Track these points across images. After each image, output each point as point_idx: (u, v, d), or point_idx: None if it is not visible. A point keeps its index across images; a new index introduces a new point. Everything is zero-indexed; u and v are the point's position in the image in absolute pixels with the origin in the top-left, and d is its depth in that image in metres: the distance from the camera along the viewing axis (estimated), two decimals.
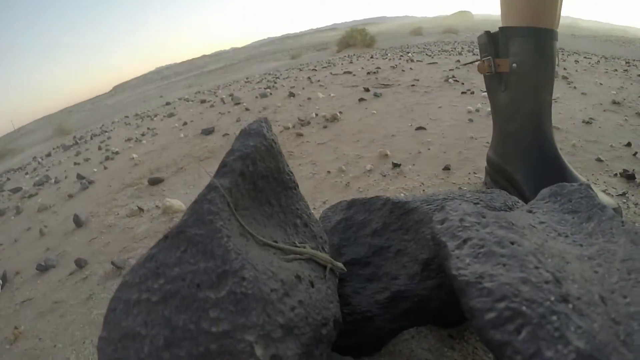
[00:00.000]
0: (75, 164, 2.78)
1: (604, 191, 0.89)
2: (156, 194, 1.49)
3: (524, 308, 0.24)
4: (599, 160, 1.09)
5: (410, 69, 3.32)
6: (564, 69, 3.03)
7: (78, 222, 1.31)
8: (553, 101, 1.96)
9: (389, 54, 5.50)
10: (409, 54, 4.83)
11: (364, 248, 0.55)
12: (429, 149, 1.31)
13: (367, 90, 2.58)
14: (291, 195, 0.44)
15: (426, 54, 4.55)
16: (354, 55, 6.67)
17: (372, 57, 5.10)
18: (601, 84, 2.42)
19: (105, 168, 2.19)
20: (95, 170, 2.24)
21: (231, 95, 3.92)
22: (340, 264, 0.44)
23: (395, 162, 1.20)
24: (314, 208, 1.02)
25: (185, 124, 2.87)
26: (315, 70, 4.54)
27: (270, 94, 3.26)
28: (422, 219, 0.48)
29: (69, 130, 8.63)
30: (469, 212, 0.33)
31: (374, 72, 3.31)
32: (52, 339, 0.73)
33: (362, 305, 0.49)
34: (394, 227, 0.52)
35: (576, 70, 2.99)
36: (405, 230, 0.50)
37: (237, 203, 0.37)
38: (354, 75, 3.42)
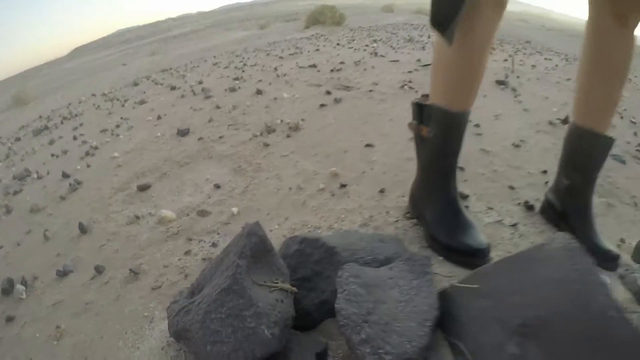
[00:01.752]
0: (52, 155, 2.91)
1: (498, 222, 1.14)
2: (146, 200, 1.76)
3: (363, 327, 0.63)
4: (511, 187, 1.25)
5: (372, 67, 3.61)
6: (517, 77, 3.18)
7: (83, 229, 1.56)
8: (494, 118, 2.22)
9: (355, 39, 5.73)
10: (375, 44, 5.08)
11: (309, 271, 0.90)
12: (372, 169, 1.65)
13: (329, 93, 2.87)
14: (272, 255, 0.82)
15: (391, 46, 4.82)
16: (322, 36, 6.81)
17: (338, 44, 5.31)
18: (547, 97, 2.64)
19: (88, 166, 2.38)
20: (78, 167, 2.41)
21: (201, 83, 4.07)
22: (294, 289, 0.79)
23: (342, 182, 1.53)
24: (278, 224, 1.34)
25: (159, 117, 3.04)
26: (282, 58, 4.73)
27: (239, 87, 3.47)
28: (340, 261, 0.83)
29: (28, 99, 8.25)
30: (353, 280, 0.70)
31: (338, 70, 3.58)
32: (96, 332, 0.97)
33: (306, 306, 0.85)
34: (326, 262, 0.87)
35: (528, 79, 3.14)
36: (332, 265, 0.86)
37: (248, 268, 0.73)
38: (319, 70, 3.67)
